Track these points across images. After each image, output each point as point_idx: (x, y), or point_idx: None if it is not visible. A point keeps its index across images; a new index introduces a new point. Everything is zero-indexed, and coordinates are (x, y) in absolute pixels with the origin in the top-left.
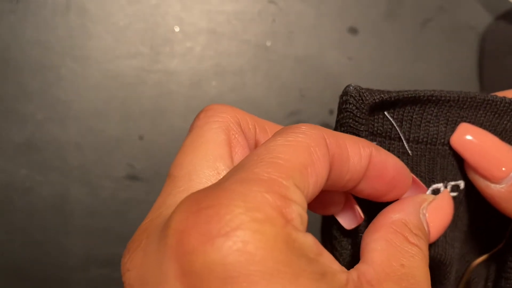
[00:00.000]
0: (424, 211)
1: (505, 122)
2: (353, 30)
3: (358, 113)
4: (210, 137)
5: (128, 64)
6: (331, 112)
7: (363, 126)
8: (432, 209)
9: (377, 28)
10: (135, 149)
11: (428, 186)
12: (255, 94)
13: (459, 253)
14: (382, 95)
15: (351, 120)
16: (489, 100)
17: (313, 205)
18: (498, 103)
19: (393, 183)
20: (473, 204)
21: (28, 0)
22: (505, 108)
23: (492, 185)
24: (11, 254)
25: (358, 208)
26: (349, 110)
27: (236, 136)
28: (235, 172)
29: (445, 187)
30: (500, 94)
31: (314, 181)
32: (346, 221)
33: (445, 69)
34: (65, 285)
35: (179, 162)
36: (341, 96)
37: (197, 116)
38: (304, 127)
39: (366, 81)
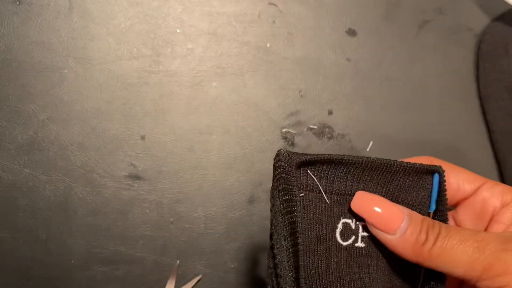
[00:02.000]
0: None
1: (398, 179)
2: (351, 32)
3: (289, 169)
4: None
5: (130, 65)
6: (330, 112)
7: (293, 178)
8: None
9: (375, 29)
10: (137, 149)
11: (338, 221)
12: (255, 94)
13: (382, 281)
14: (305, 157)
15: (284, 175)
16: (384, 163)
17: None
18: (392, 165)
19: None
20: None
21: (31, 2)
22: (397, 168)
23: (389, 236)
24: (14, 253)
25: None
26: (282, 167)
27: None
28: None
29: (355, 224)
30: (413, 159)
31: None
32: None
33: (442, 70)
34: (67, 283)
35: None
36: (275, 158)
37: None
38: None
39: (364, 82)
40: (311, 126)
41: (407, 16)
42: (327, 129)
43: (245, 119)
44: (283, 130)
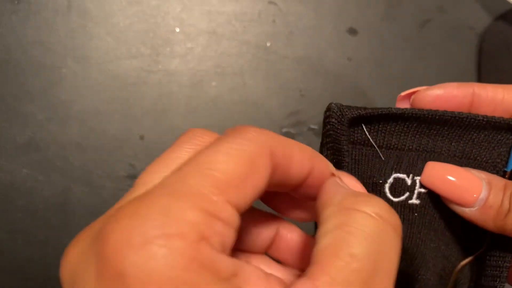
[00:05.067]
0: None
1: (472, 133)
2: (352, 31)
3: (339, 126)
4: (182, 155)
5: (129, 64)
6: None
7: (343, 136)
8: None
9: (376, 28)
10: (136, 149)
11: (389, 175)
12: (255, 94)
13: (436, 252)
14: (359, 111)
15: (333, 132)
16: (456, 116)
17: (279, 208)
18: (465, 118)
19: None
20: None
21: (29, 1)
22: (471, 122)
23: (467, 209)
24: (13, 254)
25: None
26: (331, 123)
27: None
28: (169, 181)
29: (412, 179)
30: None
31: (251, 192)
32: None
33: (444, 69)
34: None
35: (146, 172)
36: (325, 112)
37: (180, 138)
38: (251, 134)
39: (365, 81)
40: (312, 126)
41: (408, 15)
42: None
43: (245, 119)
44: (283, 130)
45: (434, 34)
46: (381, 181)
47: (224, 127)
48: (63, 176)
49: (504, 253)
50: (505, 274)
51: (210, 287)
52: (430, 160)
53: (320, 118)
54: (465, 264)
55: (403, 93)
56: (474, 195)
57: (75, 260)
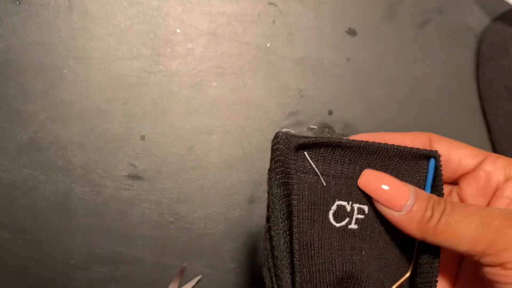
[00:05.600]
0: None
1: (395, 163)
2: (351, 32)
3: (286, 151)
4: None
5: (129, 65)
6: (330, 112)
7: (291, 161)
8: None
9: (375, 29)
10: (137, 148)
11: (333, 203)
12: (255, 94)
13: (378, 273)
14: (303, 140)
15: (282, 157)
16: (382, 147)
17: None
18: (389, 149)
19: None
20: (382, 225)
21: (30, 2)
22: (394, 152)
23: (396, 213)
24: (14, 253)
25: None
26: (280, 149)
27: None
28: None
29: (351, 206)
30: (413, 135)
31: None
32: None
33: (442, 70)
34: (67, 283)
35: None
36: (273, 140)
37: None
38: None
39: (365, 82)
40: (311, 126)
41: (407, 16)
42: (327, 129)
43: (245, 119)
44: (283, 130)
45: (433, 35)
46: (325, 208)
47: (224, 127)
48: (64, 176)
49: (431, 258)
50: (436, 279)
51: None
52: None
53: (320, 118)
54: (399, 285)
55: None
56: (402, 202)
57: None
